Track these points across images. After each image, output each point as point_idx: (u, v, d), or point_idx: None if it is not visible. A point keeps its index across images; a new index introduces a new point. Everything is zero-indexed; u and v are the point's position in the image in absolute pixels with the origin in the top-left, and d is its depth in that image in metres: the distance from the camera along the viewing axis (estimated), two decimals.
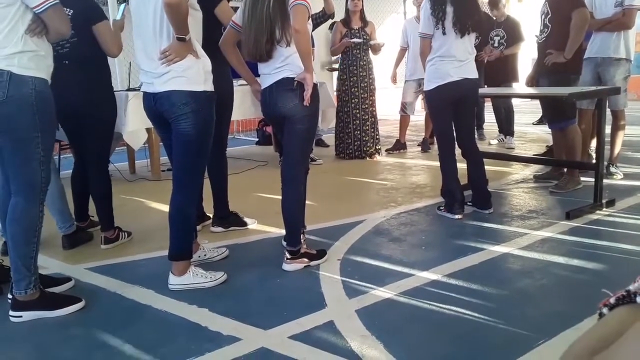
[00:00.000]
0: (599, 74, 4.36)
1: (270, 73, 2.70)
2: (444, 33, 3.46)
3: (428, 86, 3.60)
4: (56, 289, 2.59)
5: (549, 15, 4.16)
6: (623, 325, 0.52)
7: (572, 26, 3.99)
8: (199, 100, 2.46)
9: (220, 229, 3.51)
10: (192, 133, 2.47)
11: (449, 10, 3.45)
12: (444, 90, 3.52)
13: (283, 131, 2.79)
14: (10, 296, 2.39)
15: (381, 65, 6.62)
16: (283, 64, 2.66)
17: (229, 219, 3.54)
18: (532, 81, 4.59)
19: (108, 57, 3.20)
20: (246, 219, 3.59)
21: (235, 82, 3.70)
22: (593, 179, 3.71)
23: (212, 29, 3.06)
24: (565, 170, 4.36)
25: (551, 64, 4.13)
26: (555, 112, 4.20)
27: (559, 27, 4.07)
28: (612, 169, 4.52)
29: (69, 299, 2.47)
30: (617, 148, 4.56)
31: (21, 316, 2.34)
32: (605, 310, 0.58)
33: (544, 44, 4.24)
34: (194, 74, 2.45)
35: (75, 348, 2.12)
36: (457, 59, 3.49)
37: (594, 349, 0.52)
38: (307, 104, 2.64)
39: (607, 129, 3.97)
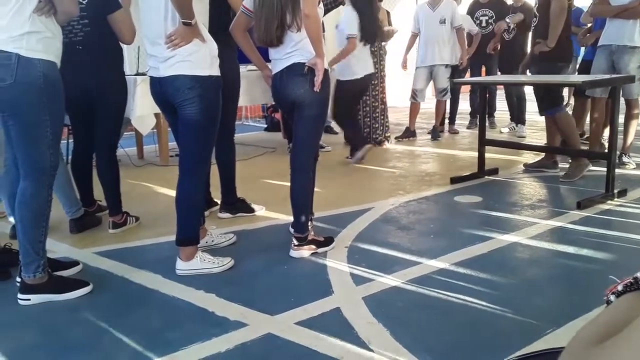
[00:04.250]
0: (613, 61, 4.29)
1: (281, 58, 2.68)
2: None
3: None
4: (64, 273, 2.60)
5: (537, 5, 4.19)
6: (631, 311, 0.51)
7: (551, 13, 3.99)
8: (205, 85, 2.44)
9: (227, 215, 3.51)
10: (198, 118, 2.45)
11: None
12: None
13: (293, 117, 2.78)
14: (18, 279, 2.40)
15: (392, 52, 6.56)
16: (294, 49, 2.63)
17: (236, 205, 3.53)
18: (524, 68, 4.66)
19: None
20: (254, 206, 3.59)
21: (244, 68, 3.69)
22: (605, 169, 3.67)
23: (220, 13, 3.04)
24: (557, 158, 4.51)
25: (539, 52, 4.16)
26: (545, 100, 4.19)
27: (544, 16, 4.09)
28: (625, 159, 4.48)
29: (77, 282, 2.48)
30: (630, 138, 4.51)
31: (29, 299, 2.36)
32: (612, 297, 0.57)
33: (534, 32, 4.30)
34: (200, 59, 2.42)
35: (82, 331, 2.14)
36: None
37: (601, 335, 0.50)
38: (318, 90, 2.62)
39: (621, 118, 3.92)
